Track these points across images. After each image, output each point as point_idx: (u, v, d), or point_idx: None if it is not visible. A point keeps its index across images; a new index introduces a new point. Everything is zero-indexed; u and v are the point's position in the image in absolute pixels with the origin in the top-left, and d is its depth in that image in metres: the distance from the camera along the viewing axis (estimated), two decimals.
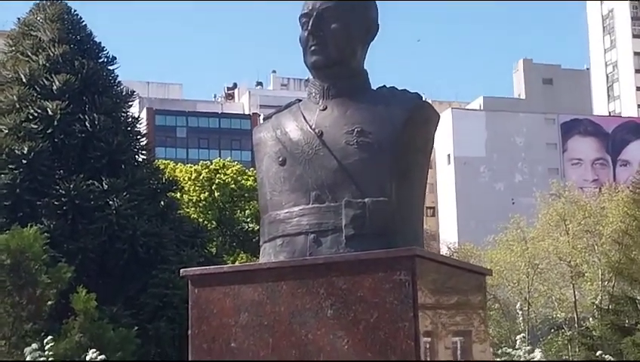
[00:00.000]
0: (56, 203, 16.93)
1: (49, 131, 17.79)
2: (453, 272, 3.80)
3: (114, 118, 18.89)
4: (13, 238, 11.98)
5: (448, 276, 3.74)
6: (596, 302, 31.09)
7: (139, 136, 20.30)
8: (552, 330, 36.12)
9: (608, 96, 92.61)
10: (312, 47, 3.87)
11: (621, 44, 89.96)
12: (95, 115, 18.27)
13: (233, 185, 37.95)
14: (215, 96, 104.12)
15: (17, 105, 18.12)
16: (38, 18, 20.16)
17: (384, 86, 3.96)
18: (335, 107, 3.84)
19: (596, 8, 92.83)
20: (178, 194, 25.50)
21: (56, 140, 17.86)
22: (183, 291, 12.13)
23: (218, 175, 38.39)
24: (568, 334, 33.66)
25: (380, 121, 3.72)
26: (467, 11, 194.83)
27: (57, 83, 18.43)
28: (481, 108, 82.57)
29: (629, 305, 24.61)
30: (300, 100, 4.06)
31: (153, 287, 16.63)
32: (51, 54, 19.05)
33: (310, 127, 3.80)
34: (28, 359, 10.07)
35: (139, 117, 22.16)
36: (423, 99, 3.94)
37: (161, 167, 24.31)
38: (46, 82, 18.54)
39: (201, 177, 38.44)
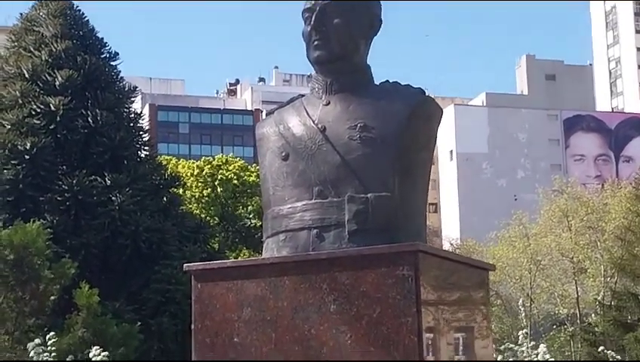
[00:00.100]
0: (59, 198, 16.94)
1: (52, 127, 17.79)
2: (456, 268, 3.80)
3: (116, 114, 18.89)
4: (16, 233, 12.01)
5: (451, 272, 3.74)
6: (598, 299, 31.08)
7: (141, 132, 20.30)
8: (555, 326, 36.11)
9: (611, 92, 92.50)
10: (315, 42, 3.87)
11: (624, 39, 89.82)
12: (97, 110, 18.27)
13: (236, 181, 37.98)
14: (217, 92, 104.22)
15: (20, 101, 18.13)
16: (41, 14, 20.16)
17: (387, 81, 3.96)
18: (338, 102, 3.83)
19: (599, 4, 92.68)
20: (180, 190, 25.52)
21: (58, 136, 17.87)
22: (186, 287, 12.15)
23: (221, 171, 38.41)
24: (570, 330, 33.66)
25: (383, 116, 3.71)
26: (470, 7, 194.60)
27: (60, 79, 18.43)
28: (484, 104, 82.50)
29: (632, 301, 24.61)
30: (303, 95, 4.06)
31: (156, 283, 16.65)
32: (54, 50, 19.06)
33: (313, 122, 3.80)
34: (31, 354, 10.10)
35: (141, 113, 22.17)
36: (426, 94, 3.94)
37: (164, 162, 24.33)
38: (49, 78, 18.55)
39: (203, 173, 38.47)
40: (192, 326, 3.73)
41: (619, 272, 29.09)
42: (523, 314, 35.64)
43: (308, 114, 3.84)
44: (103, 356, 10.03)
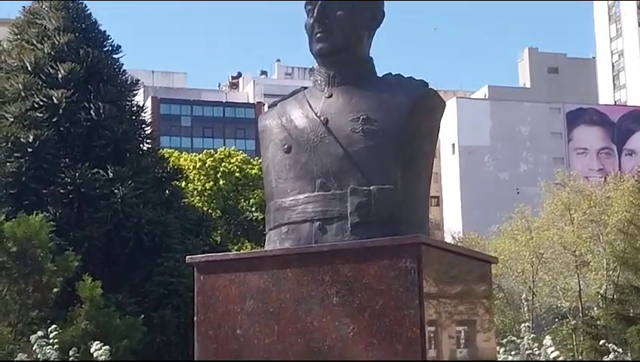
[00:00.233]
0: (61, 191, 16.96)
1: (54, 120, 17.80)
2: (459, 260, 3.81)
3: (119, 107, 18.89)
4: (19, 226, 12.02)
5: (453, 264, 3.74)
6: (601, 292, 31.07)
7: (144, 125, 20.30)
8: (557, 320, 36.14)
9: (614, 85, 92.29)
10: (318, 35, 3.86)
11: (627, 32, 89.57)
12: (100, 103, 18.27)
13: (238, 174, 38.00)
14: (219, 85, 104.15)
15: (23, 94, 18.13)
16: (43, 6, 20.14)
17: (390, 73, 3.96)
18: (340, 95, 3.83)
19: None
20: (183, 183, 25.54)
21: (61, 129, 17.88)
22: (188, 279, 12.16)
23: (223, 164, 38.44)
24: (573, 323, 33.67)
25: (386, 109, 3.71)
26: (472, 0, 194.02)
27: (62, 71, 18.43)
28: (486, 97, 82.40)
29: (634, 295, 24.62)
30: (306, 88, 4.06)
31: (158, 275, 16.67)
32: (56, 43, 19.05)
33: (315, 114, 3.80)
34: (34, 346, 10.12)
35: (143, 105, 22.16)
36: (429, 86, 3.93)
37: (166, 155, 24.32)
38: (51, 70, 18.54)
39: (206, 166, 38.49)
40: (195, 318, 3.74)
41: (621, 265, 29.09)
42: (525, 308, 35.72)
43: (310, 106, 3.84)
44: (104, 350, 10.04)
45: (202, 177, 38.01)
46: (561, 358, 9.92)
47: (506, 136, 73.51)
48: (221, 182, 37.66)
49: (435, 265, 3.54)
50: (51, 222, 13.35)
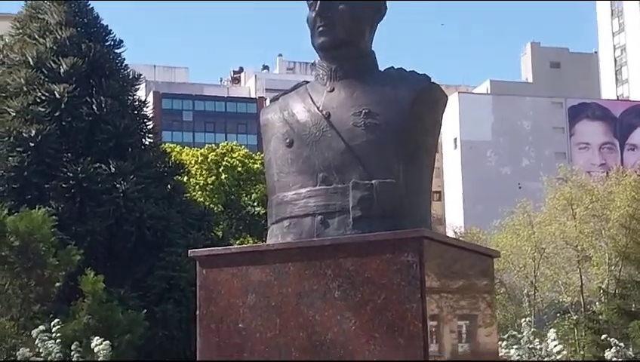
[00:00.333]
0: (64, 186, 16.95)
1: (56, 114, 17.78)
2: (461, 255, 3.81)
3: (121, 101, 18.87)
4: (21, 220, 12.03)
5: (456, 258, 3.74)
6: (603, 287, 31.07)
7: (145, 120, 20.26)
8: (559, 314, 36.12)
9: (616, 79, 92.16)
10: (320, 28, 3.86)
11: (630, 27, 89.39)
12: (102, 98, 18.25)
13: (240, 169, 38.00)
14: (221, 80, 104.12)
15: (25, 88, 18.11)
16: (45, 1, 20.12)
17: (392, 67, 3.95)
18: (342, 88, 3.83)
19: None
20: (185, 178, 25.52)
21: (63, 123, 17.87)
22: (190, 274, 12.13)
23: (225, 158, 38.44)
24: (574, 318, 33.64)
25: (388, 103, 3.70)
26: None
27: (65, 66, 18.41)
28: (488, 92, 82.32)
29: (636, 290, 24.61)
30: (308, 82, 4.06)
31: (160, 270, 16.68)
32: (58, 37, 19.02)
33: (317, 108, 3.80)
34: (36, 340, 10.15)
35: (145, 100, 22.10)
36: (431, 80, 3.92)
37: (168, 150, 24.31)
38: (53, 65, 18.52)
39: (208, 160, 38.49)
40: (197, 312, 3.75)
41: (623, 260, 29.08)
42: (527, 303, 35.74)
43: (312, 100, 3.84)
44: (105, 345, 10.06)
45: (204, 172, 38.01)
46: (564, 352, 9.93)
47: (508, 130, 73.47)
48: (223, 177, 37.66)
49: (437, 259, 3.54)
50: (53, 217, 13.34)
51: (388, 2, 4.04)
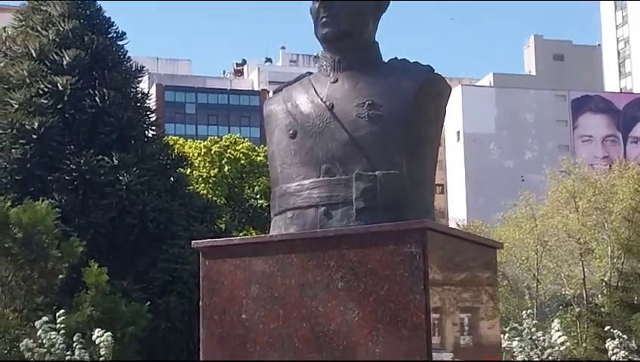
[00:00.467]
0: (67, 178, 16.97)
1: (59, 106, 17.78)
2: (464, 246, 3.80)
3: (124, 94, 18.86)
4: (24, 212, 12.05)
5: (459, 250, 3.74)
6: (605, 279, 31.09)
7: (148, 112, 20.26)
8: (561, 307, 36.16)
9: (620, 72, 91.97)
10: (323, 20, 3.85)
11: (633, 19, 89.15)
12: (105, 90, 18.24)
13: (243, 161, 38.00)
14: (224, 73, 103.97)
15: (27, 80, 18.11)
16: None
17: (395, 58, 3.94)
18: (346, 80, 3.82)
19: None
20: (187, 170, 25.52)
21: (66, 115, 17.87)
22: (193, 266, 12.14)
23: (229, 150, 38.44)
24: (577, 311, 33.69)
25: (391, 94, 3.70)
26: None
27: (67, 58, 18.40)
28: (491, 84, 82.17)
29: (638, 282, 24.65)
30: (311, 73, 4.05)
31: (163, 262, 16.70)
32: (61, 29, 19.01)
33: (321, 99, 3.79)
34: (39, 332, 10.17)
35: (148, 93, 22.09)
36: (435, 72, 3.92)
37: (171, 143, 24.30)
38: (56, 57, 18.51)
39: (211, 153, 38.48)
40: (201, 303, 3.75)
41: (626, 253, 29.12)
42: (529, 295, 35.75)
43: (316, 91, 3.83)
44: (106, 336, 10.08)
45: (207, 164, 38.01)
46: (567, 344, 9.94)
47: (511, 123, 73.39)
48: (226, 169, 37.66)
49: (440, 250, 3.54)
50: (56, 209, 13.35)
51: None
